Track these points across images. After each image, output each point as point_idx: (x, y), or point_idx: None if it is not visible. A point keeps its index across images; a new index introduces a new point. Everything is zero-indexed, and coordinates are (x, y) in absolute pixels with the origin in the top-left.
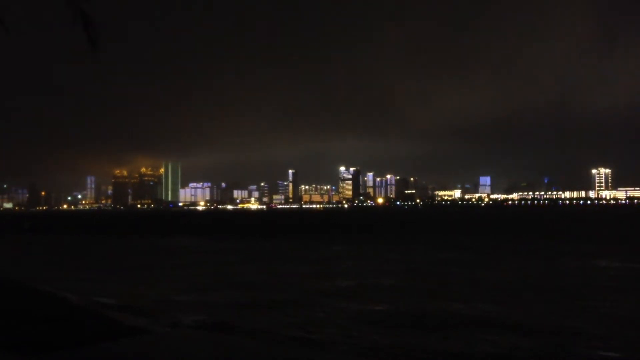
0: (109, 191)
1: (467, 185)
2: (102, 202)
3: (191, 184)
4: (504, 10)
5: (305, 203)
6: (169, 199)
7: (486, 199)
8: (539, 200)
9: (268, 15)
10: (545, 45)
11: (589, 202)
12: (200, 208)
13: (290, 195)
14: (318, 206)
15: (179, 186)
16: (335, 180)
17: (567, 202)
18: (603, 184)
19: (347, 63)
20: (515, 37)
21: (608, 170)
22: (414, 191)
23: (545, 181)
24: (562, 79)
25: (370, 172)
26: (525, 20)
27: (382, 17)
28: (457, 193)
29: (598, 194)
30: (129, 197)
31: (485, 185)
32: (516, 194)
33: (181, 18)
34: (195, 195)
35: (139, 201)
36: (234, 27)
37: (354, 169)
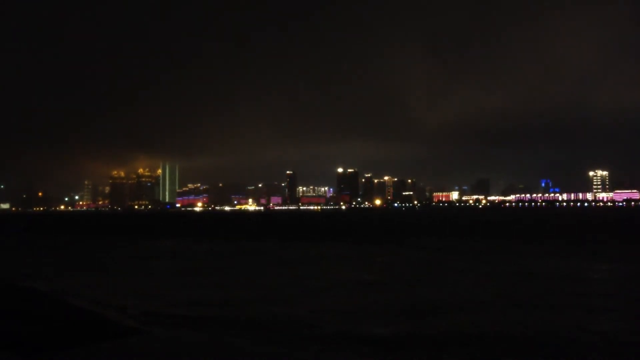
0: (106, 192)
1: (465, 187)
2: (100, 203)
3: (189, 185)
4: (505, 20)
5: (303, 204)
6: (167, 200)
7: (483, 201)
8: (536, 202)
9: (267, 17)
10: (545, 51)
11: (586, 204)
12: (197, 209)
13: (288, 196)
14: (316, 207)
15: (177, 187)
16: (333, 181)
17: (564, 204)
18: (600, 186)
19: (346, 65)
20: (515, 42)
21: (605, 173)
22: (411, 193)
23: (543, 183)
24: (561, 83)
25: (367, 173)
26: (528, 27)
27: (383, 19)
28: (454, 195)
29: (595, 196)
30: (127, 198)
31: (482, 187)
32: (513, 196)
33: (180, 18)
34: (193, 197)
35: (136, 202)
36: (235, 30)
37: (352, 170)
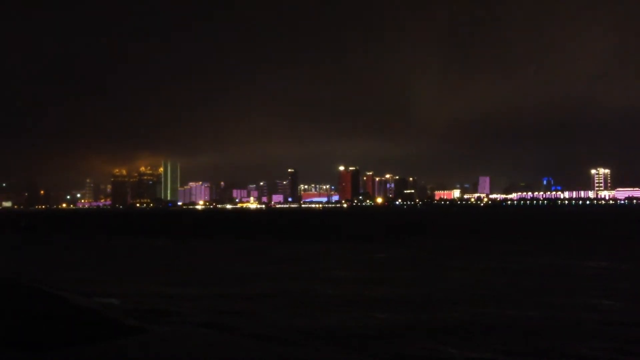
0: (108, 190)
1: (466, 185)
2: (101, 201)
3: (190, 183)
4: (510, 19)
5: (305, 202)
6: (168, 198)
7: (485, 199)
8: (538, 200)
9: (270, 18)
10: (548, 50)
11: (588, 202)
12: (199, 207)
13: (290, 194)
14: (317, 206)
15: (178, 185)
16: (335, 179)
17: (566, 202)
18: (602, 184)
19: (348, 63)
20: (519, 42)
21: (607, 171)
22: (413, 191)
23: (544, 181)
24: (563, 82)
25: (369, 171)
26: (532, 26)
27: (385, 19)
28: (456, 193)
29: (597, 194)
30: (128, 196)
31: (484, 185)
32: (515, 194)
33: (181, 18)
34: (195, 195)
35: (138, 200)
36: (237, 29)
37: (353, 168)
